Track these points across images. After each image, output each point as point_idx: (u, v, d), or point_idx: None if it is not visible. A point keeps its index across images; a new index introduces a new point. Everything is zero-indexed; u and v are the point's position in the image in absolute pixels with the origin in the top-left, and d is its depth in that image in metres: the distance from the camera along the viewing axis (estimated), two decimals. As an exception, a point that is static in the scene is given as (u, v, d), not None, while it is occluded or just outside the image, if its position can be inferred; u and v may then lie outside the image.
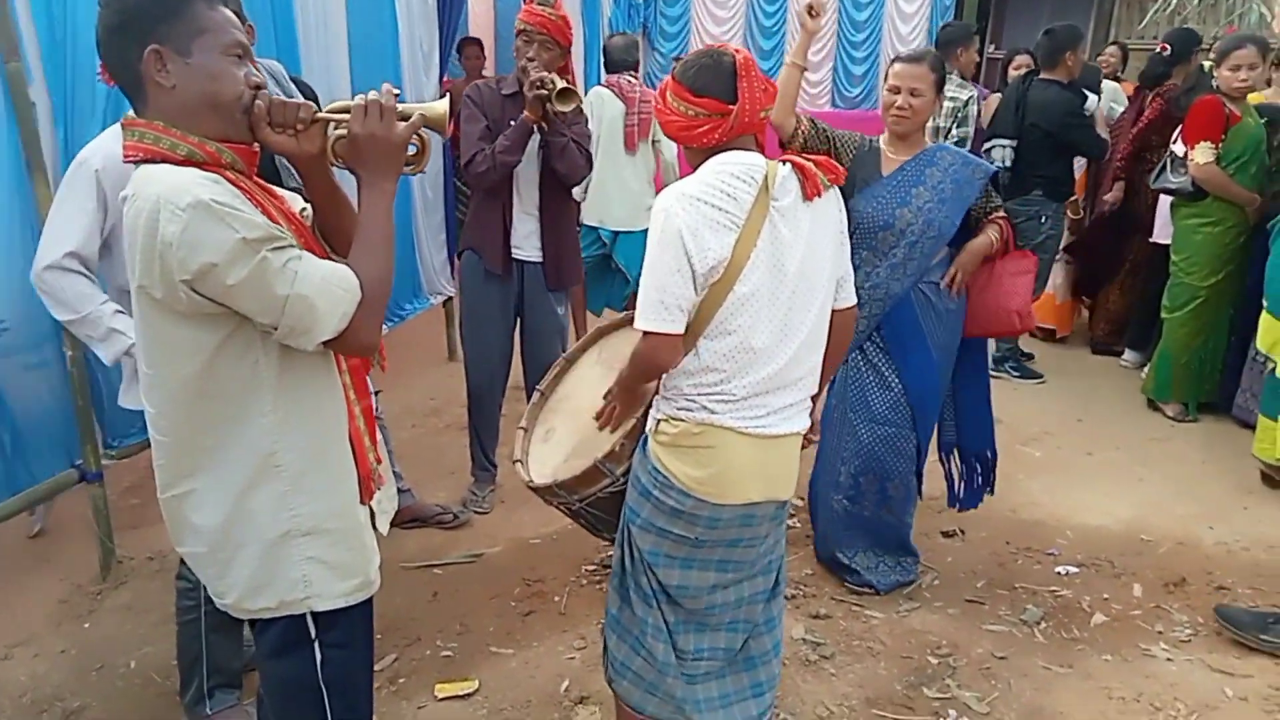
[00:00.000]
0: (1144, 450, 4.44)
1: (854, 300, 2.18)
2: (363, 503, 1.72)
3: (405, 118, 1.60)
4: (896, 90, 2.90)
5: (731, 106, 1.88)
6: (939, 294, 2.98)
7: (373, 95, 1.58)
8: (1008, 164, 5.09)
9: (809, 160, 1.96)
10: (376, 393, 2.74)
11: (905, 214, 2.90)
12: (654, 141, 5.02)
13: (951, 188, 2.91)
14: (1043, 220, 5.04)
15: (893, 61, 2.99)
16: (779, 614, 2.22)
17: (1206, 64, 4.97)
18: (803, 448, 2.13)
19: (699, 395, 1.93)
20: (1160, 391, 4.85)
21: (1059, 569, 3.37)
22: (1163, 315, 4.80)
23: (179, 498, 1.60)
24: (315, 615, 1.68)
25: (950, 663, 2.82)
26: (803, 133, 2.95)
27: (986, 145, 5.20)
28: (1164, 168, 4.76)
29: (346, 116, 1.58)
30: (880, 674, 2.77)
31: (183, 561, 2.32)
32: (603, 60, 5.13)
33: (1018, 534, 3.62)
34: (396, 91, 1.60)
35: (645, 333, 1.88)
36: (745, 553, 2.05)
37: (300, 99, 1.63)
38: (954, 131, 5.09)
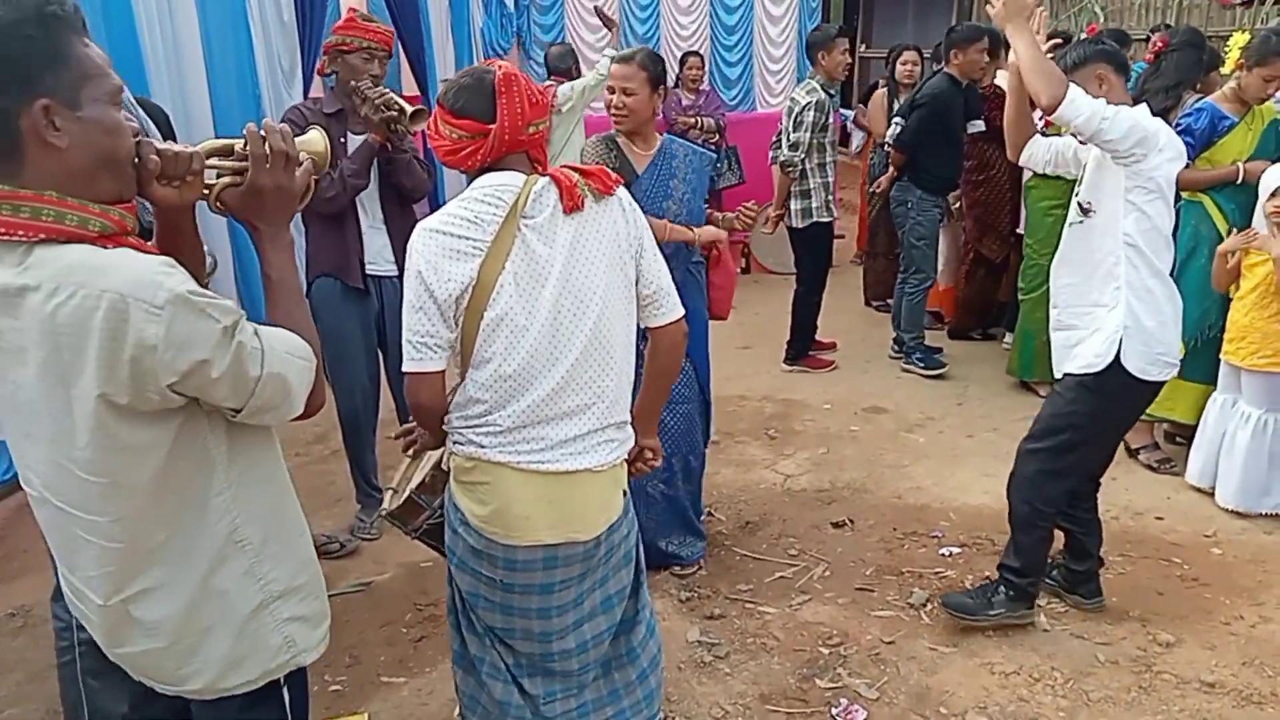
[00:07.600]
0: (1018, 429, 4.56)
1: (675, 315, 2.05)
2: None
3: None
4: (612, 90, 2.97)
5: (490, 126, 1.82)
6: (699, 269, 3.17)
7: (275, 142, 1.42)
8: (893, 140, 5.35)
9: (574, 170, 1.90)
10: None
11: (671, 206, 3.06)
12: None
13: (694, 175, 3.12)
14: (908, 206, 5.28)
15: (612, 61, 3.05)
16: (641, 642, 2.17)
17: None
18: (634, 475, 2.11)
19: (466, 429, 1.89)
20: (1025, 371, 5.04)
21: (943, 550, 3.48)
22: (1020, 297, 5.01)
23: (128, 600, 1.43)
24: None
25: (841, 652, 2.88)
26: None
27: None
28: None
29: (230, 163, 1.43)
30: (774, 669, 2.81)
31: (54, 599, 2.18)
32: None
33: (904, 519, 3.72)
34: (289, 131, 1.46)
35: (405, 373, 1.87)
36: (563, 595, 1.97)
37: (149, 124, 1.51)
38: (792, 135, 5.10)
